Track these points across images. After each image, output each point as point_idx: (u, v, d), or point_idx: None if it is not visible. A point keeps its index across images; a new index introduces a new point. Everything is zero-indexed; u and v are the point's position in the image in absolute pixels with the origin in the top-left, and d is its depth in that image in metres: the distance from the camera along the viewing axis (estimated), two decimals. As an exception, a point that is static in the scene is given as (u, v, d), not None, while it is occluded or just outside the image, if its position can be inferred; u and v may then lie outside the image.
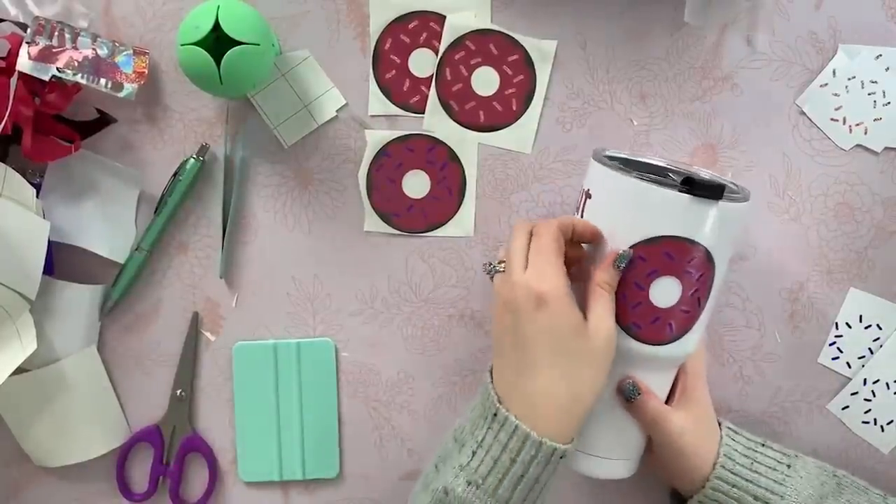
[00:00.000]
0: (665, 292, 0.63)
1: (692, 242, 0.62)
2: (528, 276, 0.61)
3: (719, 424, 0.69)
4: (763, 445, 0.69)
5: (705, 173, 0.69)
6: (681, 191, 0.61)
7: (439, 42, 0.75)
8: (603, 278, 0.62)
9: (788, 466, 0.67)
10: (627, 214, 0.63)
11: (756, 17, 0.74)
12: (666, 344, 0.64)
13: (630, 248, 0.62)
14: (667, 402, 0.68)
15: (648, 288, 0.63)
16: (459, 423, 0.65)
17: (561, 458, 0.60)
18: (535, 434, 0.59)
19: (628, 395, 0.65)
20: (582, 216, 0.66)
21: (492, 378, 0.63)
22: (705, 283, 0.64)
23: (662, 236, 0.62)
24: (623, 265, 0.62)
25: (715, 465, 0.66)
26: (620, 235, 0.63)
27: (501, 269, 0.63)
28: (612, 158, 0.67)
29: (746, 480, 0.66)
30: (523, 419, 0.59)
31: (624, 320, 0.63)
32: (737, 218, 0.64)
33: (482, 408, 0.62)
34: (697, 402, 0.68)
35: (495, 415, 0.60)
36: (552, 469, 0.60)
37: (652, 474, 0.70)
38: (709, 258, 0.63)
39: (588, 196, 0.66)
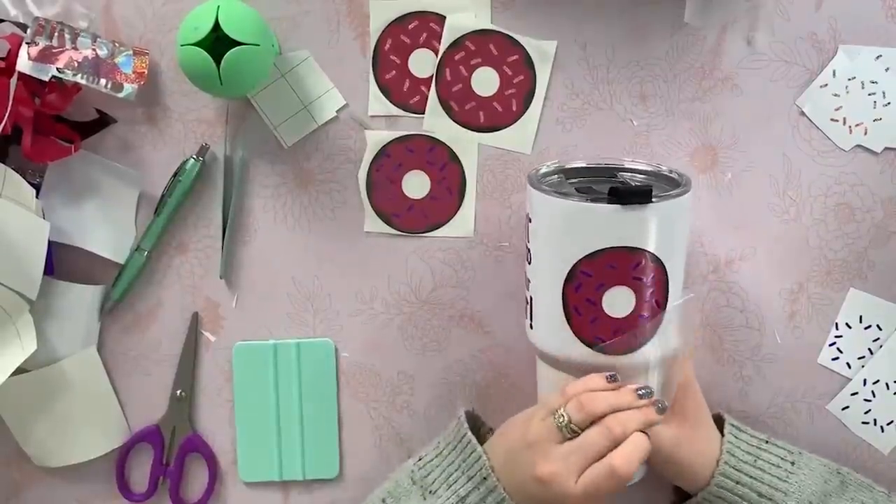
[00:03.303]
0: (618, 302, 0.63)
1: (632, 249, 0.62)
2: (569, 482, 0.60)
3: (723, 421, 0.70)
4: (767, 442, 0.69)
5: (642, 165, 0.69)
6: (609, 202, 0.61)
7: (439, 42, 0.75)
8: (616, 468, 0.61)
9: (792, 464, 0.68)
10: (563, 234, 0.63)
11: (756, 17, 0.74)
12: (636, 350, 0.64)
13: (573, 265, 0.62)
14: None
15: (600, 302, 0.62)
16: (419, 463, 0.68)
17: None
18: None
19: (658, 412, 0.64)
20: (528, 240, 0.66)
21: (471, 430, 0.67)
22: (659, 284, 0.63)
23: (600, 250, 0.61)
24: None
25: (718, 462, 0.66)
26: (561, 255, 0.63)
27: (569, 435, 0.61)
28: (547, 175, 0.68)
29: (750, 477, 0.66)
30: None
31: (588, 337, 0.64)
32: (675, 214, 0.63)
33: (464, 463, 0.66)
34: (689, 410, 0.67)
35: (485, 479, 0.64)
36: None
37: (653, 472, 0.70)
38: (655, 260, 0.62)
39: (529, 220, 0.66)
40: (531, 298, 0.67)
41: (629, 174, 0.70)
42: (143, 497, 0.78)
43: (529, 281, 0.67)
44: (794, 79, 0.75)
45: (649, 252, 0.62)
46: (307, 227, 0.76)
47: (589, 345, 0.64)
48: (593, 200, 0.62)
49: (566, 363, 0.66)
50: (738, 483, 0.66)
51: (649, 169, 0.70)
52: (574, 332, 0.64)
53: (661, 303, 0.64)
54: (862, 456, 0.76)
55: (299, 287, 0.77)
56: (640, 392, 0.62)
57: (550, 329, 0.65)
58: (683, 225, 0.65)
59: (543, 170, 0.69)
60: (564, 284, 0.63)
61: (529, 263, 0.67)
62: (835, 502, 0.67)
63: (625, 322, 0.63)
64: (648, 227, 0.62)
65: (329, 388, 0.77)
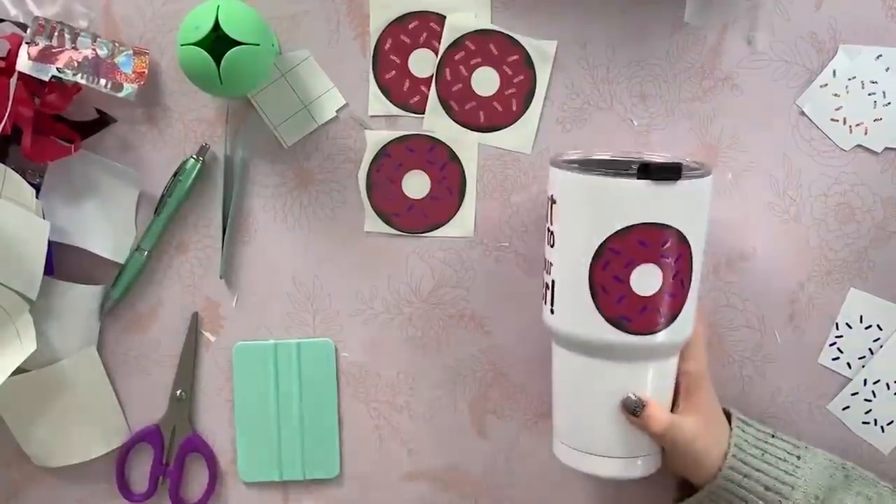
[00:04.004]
0: (646, 280, 0.63)
1: (662, 226, 0.63)
2: None
3: (730, 416, 0.70)
4: (773, 437, 0.69)
5: (659, 158, 0.70)
6: (639, 178, 0.62)
7: (439, 42, 0.75)
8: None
9: (798, 458, 0.68)
10: (593, 211, 0.64)
11: (756, 17, 0.74)
12: (659, 332, 0.64)
13: (602, 242, 0.63)
14: (674, 399, 0.68)
15: (629, 279, 0.63)
16: None
17: None
18: None
19: (633, 410, 0.65)
20: (551, 223, 0.66)
21: None
22: (685, 264, 0.64)
23: (631, 226, 0.62)
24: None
25: (726, 455, 0.67)
26: (591, 233, 0.63)
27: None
28: (570, 162, 0.68)
29: (757, 471, 0.67)
30: None
31: (613, 316, 0.64)
32: (701, 193, 0.65)
33: None
34: (704, 401, 0.68)
35: None
36: None
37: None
38: (682, 239, 0.63)
39: (553, 202, 0.66)
40: (553, 282, 0.67)
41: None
42: (143, 497, 0.78)
43: (552, 264, 0.67)
44: (794, 79, 0.75)
45: (677, 230, 0.63)
46: (307, 226, 0.76)
47: (614, 324, 0.64)
48: (623, 176, 0.63)
49: (589, 344, 0.66)
50: (745, 476, 0.66)
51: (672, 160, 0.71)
52: (600, 312, 0.64)
53: (685, 283, 0.65)
54: (862, 456, 0.76)
55: (299, 287, 0.77)
56: None
57: (574, 310, 0.65)
58: (706, 207, 0.66)
59: (566, 158, 0.69)
60: (592, 262, 0.64)
61: (552, 246, 0.67)
62: (841, 496, 0.67)
63: (651, 301, 0.64)
64: (678, 204, 0.63)
65: (329, 388, 0.77)
